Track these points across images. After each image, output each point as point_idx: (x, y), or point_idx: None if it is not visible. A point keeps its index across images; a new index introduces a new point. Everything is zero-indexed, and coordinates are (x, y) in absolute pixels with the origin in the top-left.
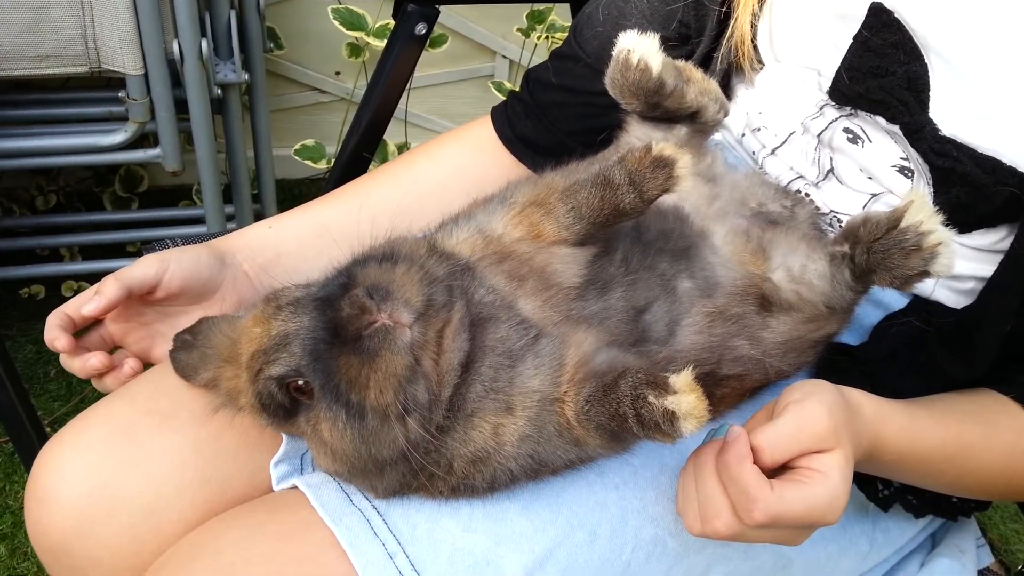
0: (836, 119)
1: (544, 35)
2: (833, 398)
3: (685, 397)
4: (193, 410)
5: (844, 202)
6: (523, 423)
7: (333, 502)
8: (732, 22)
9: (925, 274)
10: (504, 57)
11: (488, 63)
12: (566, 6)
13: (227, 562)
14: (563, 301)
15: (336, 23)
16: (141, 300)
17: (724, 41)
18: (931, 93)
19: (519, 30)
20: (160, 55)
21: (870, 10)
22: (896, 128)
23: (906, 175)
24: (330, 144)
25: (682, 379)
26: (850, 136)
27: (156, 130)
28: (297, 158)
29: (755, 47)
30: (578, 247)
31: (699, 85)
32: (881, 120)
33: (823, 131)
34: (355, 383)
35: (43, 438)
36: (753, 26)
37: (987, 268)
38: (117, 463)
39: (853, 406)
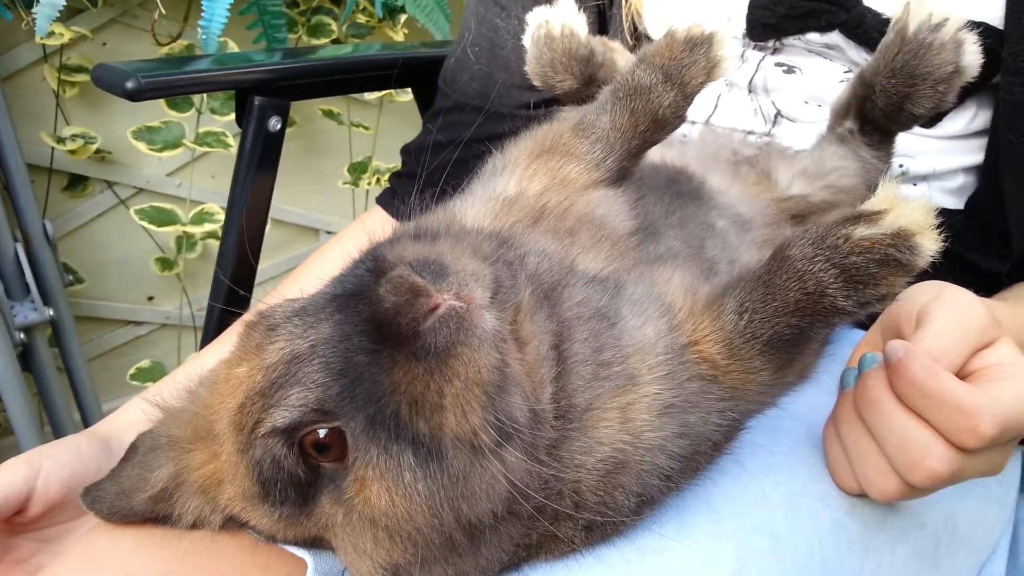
0: (762, 59)
1: (373, 178)
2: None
3: (905, 208)
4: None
5: (803, 140)
6: (656, 389)
7: None
8: (619, 18)
9: (958, 75)
10: (328, 232)
11: (313, 244)
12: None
13: None
14: (626, 249)
15: (144, 224)
16: (8, 527)
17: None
18: None
19: (345, 183)
20: None
21: None
22: (831, 39)
23: None
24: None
25: (883, 194)
26: (784, 69)
27: None
28: (135, 383)
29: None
30: (614, 188)
31: (625, 54)
32: (814, 37)
33: (753, 77)
34: (422, 404)
35: None
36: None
37: (968, 157)
38: None
39: None
